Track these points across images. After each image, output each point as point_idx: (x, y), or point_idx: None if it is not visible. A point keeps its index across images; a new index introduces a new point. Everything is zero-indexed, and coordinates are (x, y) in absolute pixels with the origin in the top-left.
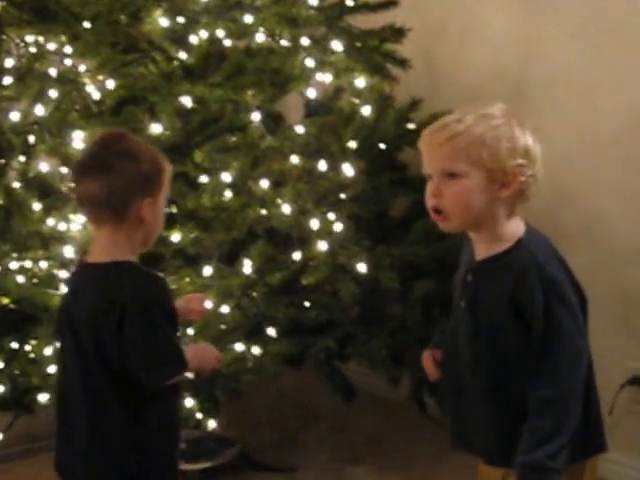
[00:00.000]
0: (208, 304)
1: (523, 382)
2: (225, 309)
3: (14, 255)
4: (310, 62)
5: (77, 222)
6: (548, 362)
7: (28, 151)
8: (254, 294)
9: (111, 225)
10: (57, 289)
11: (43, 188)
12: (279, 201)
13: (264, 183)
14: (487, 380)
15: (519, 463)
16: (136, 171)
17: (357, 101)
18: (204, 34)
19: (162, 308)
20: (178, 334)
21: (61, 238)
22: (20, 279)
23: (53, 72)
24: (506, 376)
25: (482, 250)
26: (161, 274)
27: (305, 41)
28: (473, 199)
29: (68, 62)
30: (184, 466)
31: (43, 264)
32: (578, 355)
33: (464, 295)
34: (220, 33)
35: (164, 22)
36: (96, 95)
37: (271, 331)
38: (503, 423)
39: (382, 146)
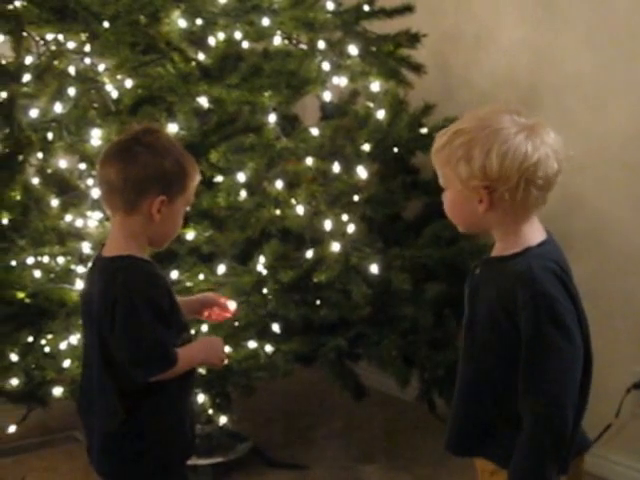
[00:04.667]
0: (232, 305)
1: (502, 385)
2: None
3: (31, 250)
4: (326, 65)
5: (94, 219)
6: (537, 376)
7: (46, 148)
8: (265, 291)
9: (121, 215)
10: (73, 285)
11: (61, 185)
12: (293, 202)
13: (279, 184)
14: (470, 373)
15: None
16: (156, 166)
17: (372, 105)
18: (222, 36)
19: (150, 305)
20: (190, 331)
21: (78, 234)
22: (37, 274)
23: (72, 70)
24: (486, 374)
25: (497, 248)
26: (160, 270)
27: (321, 45)
28: (459, 210)
29: (87, 61)
30: (196, 461)
31: (60, 260)
32: (569, 370)
33: (468, 285)
34: (238, 35)
35: (182, 23)
36: (114, 94)
37: (282, 329)
38: (468, 415)
39: (395, 150)
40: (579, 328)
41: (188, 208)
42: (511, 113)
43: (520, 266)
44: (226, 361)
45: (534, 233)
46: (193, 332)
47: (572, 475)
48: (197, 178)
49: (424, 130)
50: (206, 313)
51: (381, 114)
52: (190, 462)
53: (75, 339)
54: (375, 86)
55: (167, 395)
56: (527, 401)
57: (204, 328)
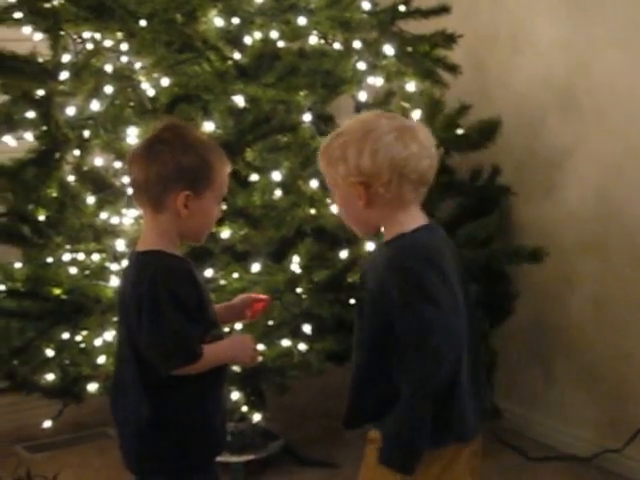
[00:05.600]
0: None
1: (390, 365)
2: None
3: (67, 247)
4: (362, 65)
5: (129, 216)
6: (408, 357)
7: (83, 145)
8: (299, 290)
9: (150, 212)
10: (108, 281)
11: (97, 182)
12: (328, 201)
13: (314, 183)
14: (360, 358)
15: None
16: (176, 162)
17: (407, 105)
18: (258, 35)
19: (175, 299)
20: (221, 328)
21: (113, 231)
22: (72, 271)
23: (109, 68)
24: (376, 357)
25: (384, 239)
26: (191, 266)
27: (357, 44)
28: (347, 210)
29: (124, 59)
30: (228, 458)
31: (95, 257)
32: (437, 353)
33: (360, 275)
34: (274, 34)
35: (219, 22)
36: (150, 92)
37: (315, 327)
38: (362, 394)
39: None
40: (453, 304)
41: (224, 206)
42: (387, 117)
43: (391, 250)
44: (259, 359)
45: (410, 221)
46: (227, 330)
47: (451, 462)
48: (226, 171)
49: (460, 131)
50: (247, 312)
51: (417, 114)
52: (222, 459)
53: (110, 335)
54: (411, 86)
55: (196, 391)
56: (403, 372)
57: (238, 326)
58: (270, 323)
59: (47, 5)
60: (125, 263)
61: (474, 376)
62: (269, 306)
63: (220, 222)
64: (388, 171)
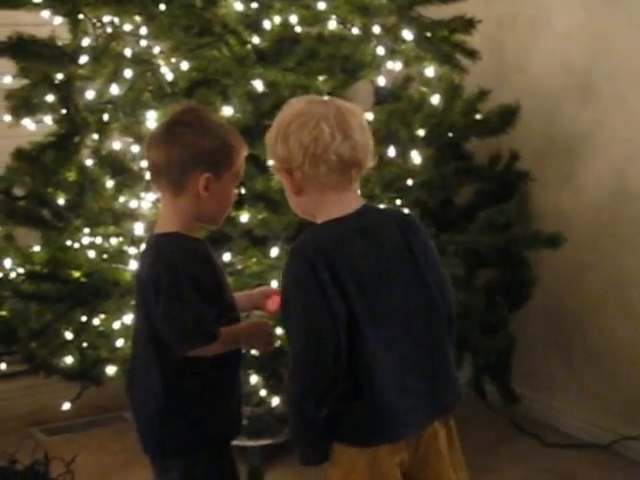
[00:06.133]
0: None
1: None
2: None
3: (86, 231)
4: (381, 50)
5: (148, 200)
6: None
7: (102, 129)
8: None
9: (169, 195)
10: (127, 265)
11: (116, 166)
12: None
13: None
14: None
15: None
16: (197, 144)
17: (426, 90)
18: (277, 19)
19: (192, 280)
20: (237, 312)
21: (132, 215)
22: (91, 254)
23: (128, 52)
24: None
25: None
26: (209, 249)
27: (376, 29)
28: (289, 198)
29: (143, 43)
30: (245, 442)
31: (113, 240)
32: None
33: None
34: (293, 19)
35: (239, 6)
36: (170, 76)
37: None
38: None
39: (450, 135)
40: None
41: (243, 190)
42: (308, 102)
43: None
44: (276, 344)
45: (331, 210)
46: (245, 315)
47: (376, 458)
48: (244, 153)
49: (478, 116)
50: (267, 303)
51: (436, 99)
52: (238, 443)
53: (128, 319)
54: (429, 71)
55: (212, 374)
56: None
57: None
58: None
59: None
60: (143, 247)
61: (432, 372)
62: None
63: (239, 206)
64: (300, 154)
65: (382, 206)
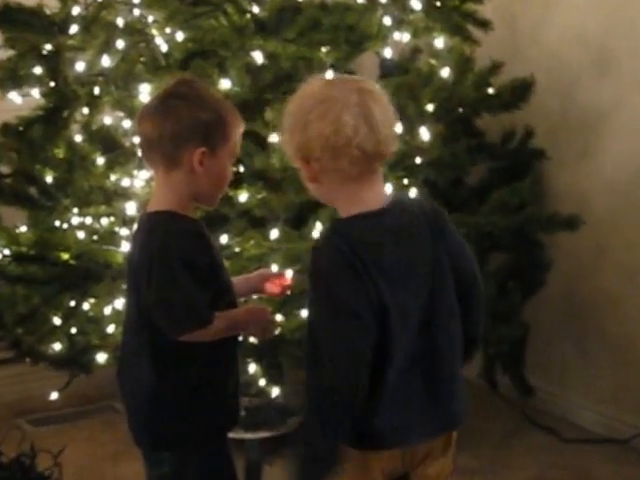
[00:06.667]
0: (288, 273)
1: None
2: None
3: (75, 210)
4: (387, 20)
5: (140, 178)
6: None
7: (93, 103)
8: None
9: (162, 171)
10: (118, 246)
11: (107, 142)
12: None
13: None
14: None
15: None
16: (192, 117)
17: (435, 62)
18: None
19: (185, 261)
20: (235, 295)
21: (124, 194)
22: (81, 235)
23: (120, 22)
24: None
25: None
26: (203, 229)
27: None
28: (308, 186)
29: (136, 12)
30: (243, 435)
31: (104, 220)
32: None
33: None
34: None
35: None
36: (164, 47)
37: None
38: None
39: (460, 110)
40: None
41: (241, 168)
42: (328, 84)
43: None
44: (275, 332)
45: (357, 204)
46: (243, 300)
47: (362, 464)
48: (240, 129)
49: (491, 90)
50: (266, 286)
51: (445, 72)
52: (236, 436)
53: (120, 303)
54: (439, 43)
55: (207, 362)
56: None
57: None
58: (288, 293)
59: None
60: (135, 227)
61: (434, 381)
62: (293, 283)
63: (237, 185)
64: (318, 145)
65: (410, 196)
